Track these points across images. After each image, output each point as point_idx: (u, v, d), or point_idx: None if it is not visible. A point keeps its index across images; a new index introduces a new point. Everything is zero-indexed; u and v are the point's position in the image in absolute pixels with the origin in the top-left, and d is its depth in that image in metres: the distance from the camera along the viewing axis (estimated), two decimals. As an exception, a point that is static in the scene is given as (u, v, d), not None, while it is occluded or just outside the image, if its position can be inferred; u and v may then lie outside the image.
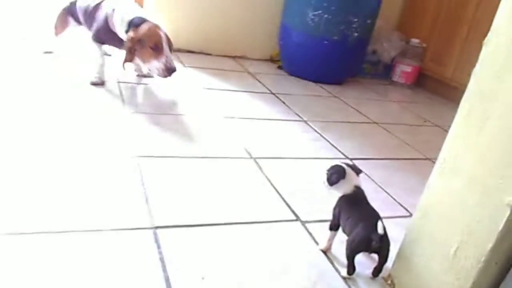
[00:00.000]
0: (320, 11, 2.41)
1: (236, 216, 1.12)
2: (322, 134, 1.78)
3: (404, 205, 1.34)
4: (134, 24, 1.72)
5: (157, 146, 1.41)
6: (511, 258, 0.72)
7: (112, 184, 1.15)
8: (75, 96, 1.70)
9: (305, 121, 1.88)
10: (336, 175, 1.00)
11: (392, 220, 1.24)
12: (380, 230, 0.90)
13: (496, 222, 0.69)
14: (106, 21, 1.84)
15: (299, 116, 1.93)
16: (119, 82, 1.94)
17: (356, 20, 2.43)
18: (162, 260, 0.90)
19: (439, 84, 2.75)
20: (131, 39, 1.69)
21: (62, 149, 1.27)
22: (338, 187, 1.01)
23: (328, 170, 1.02)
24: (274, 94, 2.19)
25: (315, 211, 1.21)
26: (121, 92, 1.83)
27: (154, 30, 1.71)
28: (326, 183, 1.02)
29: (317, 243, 1.07)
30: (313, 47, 2.51)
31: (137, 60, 1.77)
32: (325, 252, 1.04)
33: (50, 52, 2.13)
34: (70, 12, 2.04)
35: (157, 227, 1.01)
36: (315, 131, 1.80)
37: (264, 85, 2.30)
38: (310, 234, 1.10)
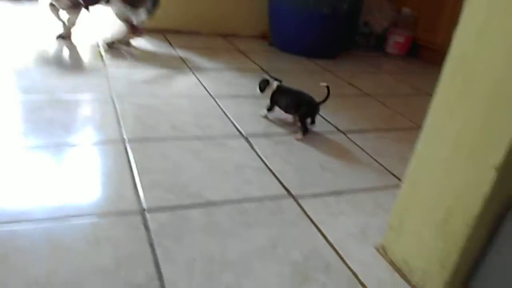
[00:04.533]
0: (308, -16, 2.36)
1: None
2: (315, 109, 1.76)
3: (397, 175, 1.33)
4: None
5: (147, 128, 1.40)
6: (498, 222, 0.72)
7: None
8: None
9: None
10: (263, 84, 1.57)
11: (387, 190, 1.25)
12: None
13: (483, 185, 0.69)
14: None
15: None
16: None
17: (345, -9, 2.39)
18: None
19: (432, 53, 2.72)
20: None
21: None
22: (267, 91, 1.56)
23: (259, 84, 1.58)
24: (265, 71, 2.17)
25: (307, 185, 1.21)
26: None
27: None
28: (259, 92, 1.58)
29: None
30: (303, 21, 2.47)
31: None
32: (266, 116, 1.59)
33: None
34: None
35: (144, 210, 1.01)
36: (308, 106, 1.78)
37: (254, 62, 2.27)
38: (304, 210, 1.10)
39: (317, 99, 1.52)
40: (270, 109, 1.59)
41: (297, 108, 1.50)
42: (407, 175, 0.88)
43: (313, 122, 1.56)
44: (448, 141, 0.75)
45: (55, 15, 2.10)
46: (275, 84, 1.57)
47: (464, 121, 0.71)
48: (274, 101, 1.57)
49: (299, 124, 1.50)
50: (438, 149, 0.77)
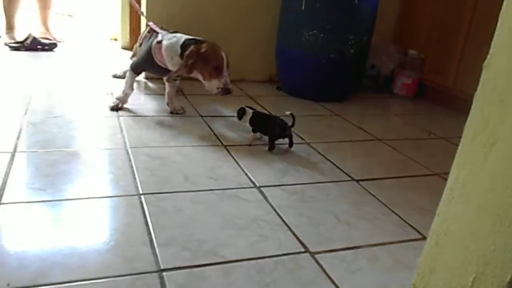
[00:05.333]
0: (315, 31, 2.42)
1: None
2: (326, 156, 1.76)
3: (415, 226, 1.31)
4: (189, 45, 1.81)
5: (161, 182, 1.40)
6: (531, 287, 0.69)
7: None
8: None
9: (308, 143, 1.87)
10: (240, 112, 1.81)
11: (405, 244, 1.22)
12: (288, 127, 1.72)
13: (512, 251, 0.67)
14: (149, 51, 1.93)
15: (301, 138, 1.91)
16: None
17: (351, 37, 2.43)
18: None
19: (440, 94, 2.73)
20: (194, 55, 1.77)
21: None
22: (245, 118, 1.79)
23: (237, 112, 1.82)
24: (271, 115, 2.18)
25: (323, 240, 1.19)
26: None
27: (218, 50, 1.80)
28: (237, 119, 1.82)
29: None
30: (310, 66, 2.51)
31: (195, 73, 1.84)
32: (250, 144, 1.77)
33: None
34: None
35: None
36: (319, 153, 1.78)
37: (263, 108, 2.29)
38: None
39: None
40: (254, 131, 1.79)
41: (269, 130, 1.75)
42: (430, 234, 0.86)
43: (290, 145, 1.75)
44: (472, 203, 0.73)
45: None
46: (250, 111, 1.79)
47: (488, 183, 0.70)
48: (253, 125, 1.78)
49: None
50: (462, 211, 0.76)
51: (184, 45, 1.83)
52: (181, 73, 1.82)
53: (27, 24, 3.27)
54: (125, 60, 2.29)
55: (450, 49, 2.61)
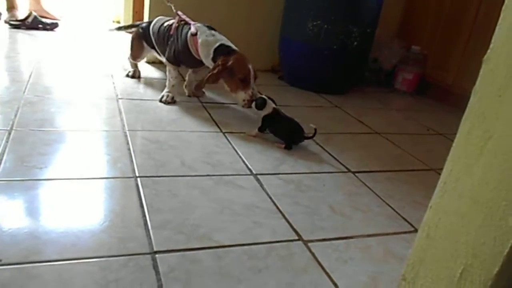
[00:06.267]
0: (319, 21, 2.40)
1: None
2: (324, 147, 1.76)
3: (408, 219, 1.32)
4: (221, 52, 1.82)
5: (158, 164, 1.40)
6: (518, 281, 0.70)
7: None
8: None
9: (307, 134, 1.87)
10: (260, 102, 1.74)
11: (397, 236, 1.23)
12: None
13: (502, 244, 0.67)
14: (186, 44, 1.91)
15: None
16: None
17: (355, 29, 2.42)
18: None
19: (441, 91, 2.73)
20: (222, 66, 1.77)
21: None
22: (263, 110, 1.74)
23: (255, 101, 1.76)
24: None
25: (317, 229, 1.20)
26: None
27: (245, 63, 1.80)
28: (255, 109, 1.76)
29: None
30: (313, 57, 2.50)
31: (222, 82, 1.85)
32: (254, 135, 1.75)
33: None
34: (144, 37, 2.16)
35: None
36: (317, 144, 1.79)
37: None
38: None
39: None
40: (261, 129, 1.76)
41: (285, 133, 1.73)
42: (422, 226, 0.87)
43: (296, 143, 1.74)
44: (465, 197, 0.74)
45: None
46: (271, 107, 1.75)
47: (482, 178, 0.71)
48: (265, 124, 1.76)
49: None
50: (454, 204, 0.76)
51: (217, 51, 1.83)
52: (211, 81, 1.81)
53: (26, 3, 3.24)
54: (126, 43, 2.28)
55: (452, 46, 2.60)
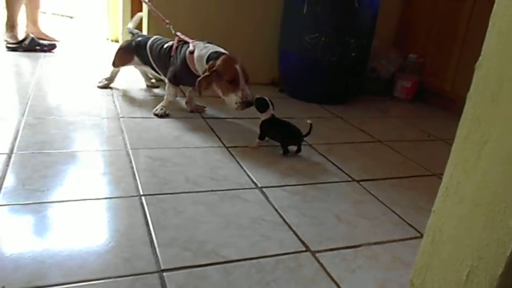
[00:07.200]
0: (316, 34, 2.44)
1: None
2: (328, 157, 1.77)
3: (414, 225, 1.32)
4: (211, 58, 1.82)
5: (162, 181, 1.41)
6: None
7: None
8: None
9: (310, 145, 1.88)
10: (262, 104, 1.76)
11: (404, 242, 1.23)
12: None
13: (504, 245, 0.68)
14: (184, 62, 1.93)
15: (303, 139, 1.92)
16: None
17: (352, 40, 2.45)
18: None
19: (439, 98, 2.75)
20: (209, 71, 1.78)
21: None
22: (265, 114, 1.76)
23: (256, 101, 1.77)
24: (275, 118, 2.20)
25: (324, 239, 1.20)
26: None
27: (231, 63, 1.78)
28: (255, 108, 1.77)
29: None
30: (312, 69, 2.53)
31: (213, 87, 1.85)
32: (256, 147, 1.78)
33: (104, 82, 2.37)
34: (136, 51, 2.20)
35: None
36: (320, 154, 1.80)
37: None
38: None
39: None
40: (261, 137, 1.80)
41: (282, 137, 1.77)
42: (426, 231, 0.88)
43: (298, 151, 1.77)
44: (466, 201, 0.75)
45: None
46: (270, 112, 1.78)
47: (481, 181, 0.72)
48: (264, 130, 1.79)
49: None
50: (457, 208, 0.77)
51: (208, 60, 1.84)
52: (202, 88, 1.81)
53: (23, 25, 3.26)
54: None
55: (448, 54, 2.63)
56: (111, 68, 2.36)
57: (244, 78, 1.79)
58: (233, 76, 1.76)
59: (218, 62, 1.78)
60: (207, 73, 1.79)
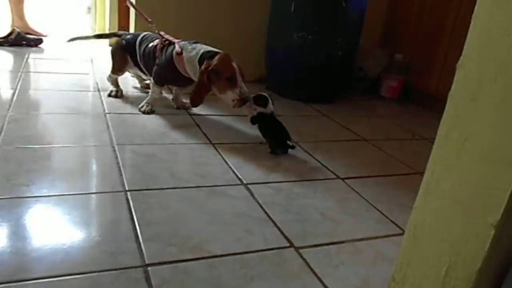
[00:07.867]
0: (303, 32, 2.45)
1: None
2: (313, 155, 1.79)
3: (396, 222, 1.34)
4: (205, 58, 1.81)
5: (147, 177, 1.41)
6: (501, 277, 0.72)
7: (104, 221, 1.15)
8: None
9: (296, 143, 1.89)
10: (263, 99, 1.77)
11: (387, 239, 1.25)
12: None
13: (482, 242, 0.70)
14: (171, 62, 1.90)
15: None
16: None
17: (340, 39, 2.47)
18: None
19: (425, 97, 2.79)
20: (207, 71, 1.76)
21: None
22: (266, 109, 1.77)
23: (258, 96, 1.79)
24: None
25: (308, 235, 1.21)
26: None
27: (228, 61, 1.79)
28: (253, 103, 1.78)
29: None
30: (299, 67, 2.54)
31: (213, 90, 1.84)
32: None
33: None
34: (128, 50, 2.13)
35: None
36: (306, 151, 1.81)
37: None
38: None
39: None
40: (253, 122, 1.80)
41: (274, 136, 1.77)
42: (407, 227, 0.89)
43: (292, 147, 1.76)
44: (446, 197, 0.77)
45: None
46: (269, 109, 1.79)
47: (461, 178, 0.73)
48: (257, 123, 1.80)
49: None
50: (437, 205, 0.79)
51: (200, 61, 1.82)
52: (203, 92, 1.80)
53: (9, 20, 3.21)
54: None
55: (433, 53, 2.67)
56: (110, 75, 2.23)
57: (241, 75, 1.81)
58: (231, 73, 1.77)
59: (216, 60, 1.78)
60: (205, 74, 1.76)
